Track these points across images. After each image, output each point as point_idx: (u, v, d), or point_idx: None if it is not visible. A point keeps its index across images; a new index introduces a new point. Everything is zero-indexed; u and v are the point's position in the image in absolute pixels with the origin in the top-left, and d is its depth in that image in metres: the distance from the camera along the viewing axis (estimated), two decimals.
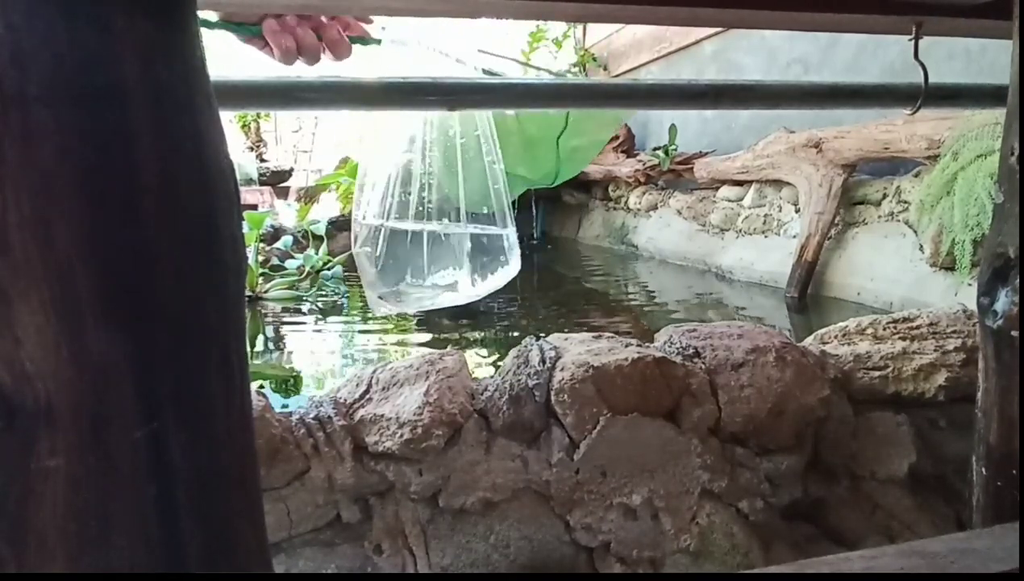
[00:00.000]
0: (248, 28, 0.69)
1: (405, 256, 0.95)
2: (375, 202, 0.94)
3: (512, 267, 1.00)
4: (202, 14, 0.66)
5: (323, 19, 0.72)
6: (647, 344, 0.98)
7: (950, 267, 2.32)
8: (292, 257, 3.96)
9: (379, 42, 0.79)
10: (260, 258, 3.65)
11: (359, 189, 0.95)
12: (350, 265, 4.01)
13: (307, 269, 3.76)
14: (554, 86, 0.78)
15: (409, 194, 0.94)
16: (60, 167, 0.27)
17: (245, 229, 3.50)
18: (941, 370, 0.95)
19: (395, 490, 0.85)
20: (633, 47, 5.63)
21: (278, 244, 4.14)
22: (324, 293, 3.55)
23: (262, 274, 3.53)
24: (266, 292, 3.39)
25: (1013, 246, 0.55)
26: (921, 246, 2.51)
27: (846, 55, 3.45)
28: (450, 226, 0.94)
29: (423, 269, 0.96)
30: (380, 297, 0.96)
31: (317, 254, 3.89)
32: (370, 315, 3.27)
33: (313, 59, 0.73)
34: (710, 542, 0.90)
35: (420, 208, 0.93)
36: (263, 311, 3.19)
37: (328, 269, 3.78)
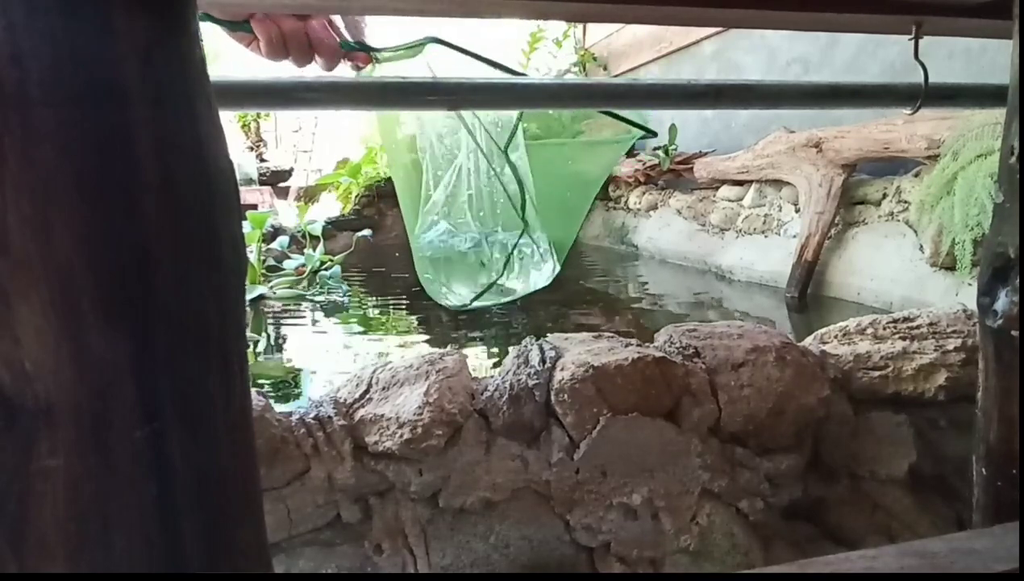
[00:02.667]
0: (236, 24, 0.69)
1: (456, 261, 0.97)
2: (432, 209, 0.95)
3: (549, 266, 1.01)
4: None
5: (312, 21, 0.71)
6: (647, 344, 0.98)
7: (950, 267, 2.32)
8: (288, 257, 3.97)
9: (375, 55, 0.77)
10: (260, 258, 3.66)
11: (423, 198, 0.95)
12: (348, 265, 4.02)
13: (308, 269, 3.76)
14: (554, 86, 0.78)
15: (452, 200, 0.94)
16: (60, 167, 0.27)
17: (247, 229, 3.51)
18: (941, 370, 0.95)
19: (395, 490, 0.85)
20: (633, 47, 5.63)
21: (274, 244, 4.14)
22: (326, 292, 3.55)
23: (261, 274, 3.53)
24: (270, 291, 3.40)
25: (1013, 246, 0.55)
26: (921, 246, 2.51)
27: (846, 55, 3.45)
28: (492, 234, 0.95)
29: (474, 272, 0.98)
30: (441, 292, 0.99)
31: (316, 254, 3.90)
32: (370, 314, 3.27)
33: (300, 54, 0.71)
34: (710, 542, 0.90)
35: (463, 216, 0.94)
36: (265, 310, 3.19)
37: (326, 269, 3.78)
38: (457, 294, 0.99)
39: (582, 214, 1.05)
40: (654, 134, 0.86)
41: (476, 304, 0.98)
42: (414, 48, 0.78)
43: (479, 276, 0.98)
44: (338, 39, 0.74)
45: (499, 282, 0.96)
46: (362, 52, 0.77)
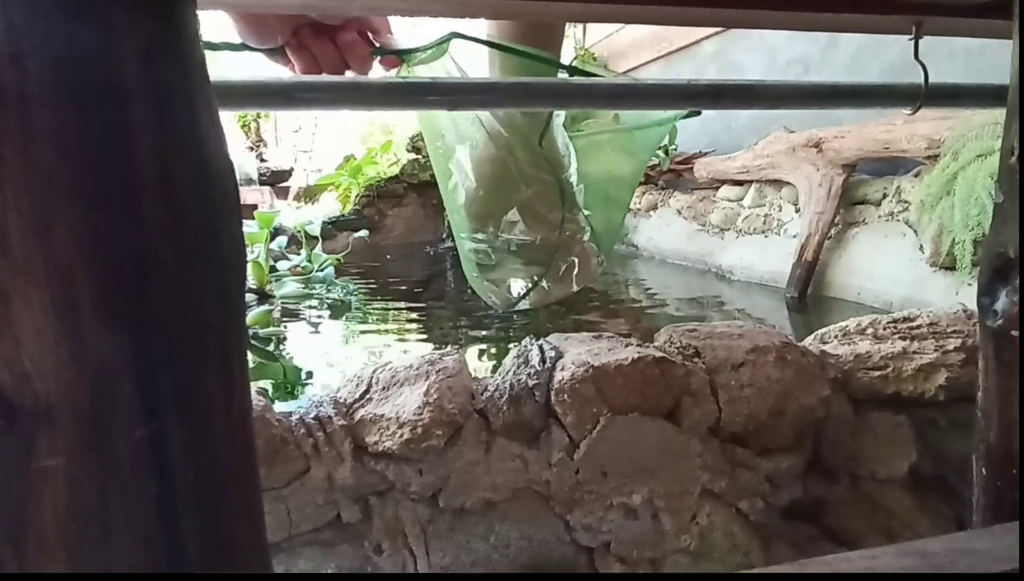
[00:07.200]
0: (272, 51, 0.71)
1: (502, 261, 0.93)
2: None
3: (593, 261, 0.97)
4: (226, 39, 0.68)
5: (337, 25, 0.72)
6: (647, 344, 0.98)
7: (950, 267, 2.32)
8: (285, 258, 3.97)
9: (405, 57, 0.77)
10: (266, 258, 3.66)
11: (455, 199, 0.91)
12: (345, 266, 4.02)
13: (312, 268, 3.77)
14: (554, 86, 0.77)
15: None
16: (60, 167, 0.27)
17: (255, 229, 3.52)
18: (941, 370, 0.95)
19: (395, 490, 0.85)
20: (633, 47, 5.63)
21: (272, 244, 4.14)
22: (332, 291, 3.56)
23: (268, 276, 3.54)
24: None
25: (1013, 246, 0.55)
26: (921, 246, 2.51)
27: (846, 55, 3.45)
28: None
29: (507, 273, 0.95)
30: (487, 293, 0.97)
31: (322, 255, 3.91)
32: (372, 313, 3.27)
33: (334, 70, 0.74)
34: (710, 542, 0.90)
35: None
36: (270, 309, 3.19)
37: (320, 270, 3.79)
38: (502, 294, 0.97)
39: (626, 203, 1.01)
40: (697, 113, 0.84)
41: (520, 305, 0.97)
42: (439, 46, 0.78)
43: (526, 276, 0.96)
44: (372, 44, 0.75)
45: (541, 283, 0.94)
46: (393, 56, 0.77)
